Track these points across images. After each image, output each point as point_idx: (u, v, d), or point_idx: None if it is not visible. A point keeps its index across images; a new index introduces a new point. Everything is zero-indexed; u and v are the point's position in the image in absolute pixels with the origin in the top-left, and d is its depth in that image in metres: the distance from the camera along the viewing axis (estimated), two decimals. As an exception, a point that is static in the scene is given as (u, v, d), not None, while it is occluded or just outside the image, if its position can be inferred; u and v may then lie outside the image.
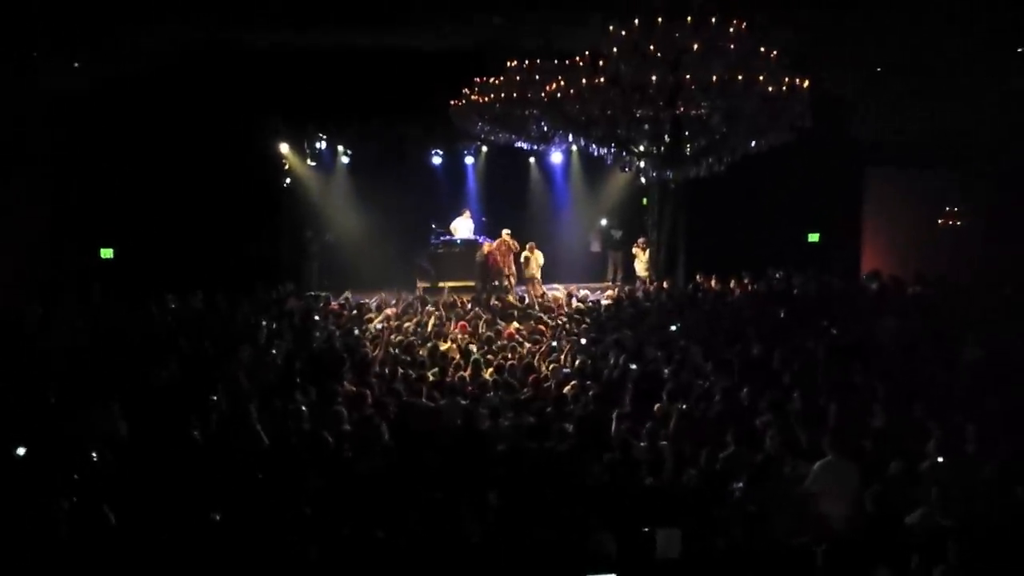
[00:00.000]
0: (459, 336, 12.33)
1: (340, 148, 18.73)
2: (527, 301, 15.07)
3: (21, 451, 7.18)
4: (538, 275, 17.30)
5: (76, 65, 13.34)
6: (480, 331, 12.49)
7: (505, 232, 17.31)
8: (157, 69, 14.30)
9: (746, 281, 15.00)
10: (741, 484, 6.41)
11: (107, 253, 15.97)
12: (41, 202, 15.17)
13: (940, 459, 6.75)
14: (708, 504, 6.29)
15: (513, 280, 17.22)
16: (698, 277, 15.40)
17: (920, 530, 5.88)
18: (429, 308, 14.00)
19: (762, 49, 8.77)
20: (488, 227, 18.31)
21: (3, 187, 13.99)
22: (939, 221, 17.02)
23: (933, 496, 6.08)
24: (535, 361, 10.92)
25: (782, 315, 12.46)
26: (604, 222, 19.70)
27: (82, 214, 15.49)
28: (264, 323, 12.10)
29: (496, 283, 17.05)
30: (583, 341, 11.48)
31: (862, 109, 15.89)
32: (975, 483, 6.35)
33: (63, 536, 5.85)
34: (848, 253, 17.48)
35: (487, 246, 17.44)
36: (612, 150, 10.27)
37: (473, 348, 11.35)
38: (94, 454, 7.12)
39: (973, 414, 7.45)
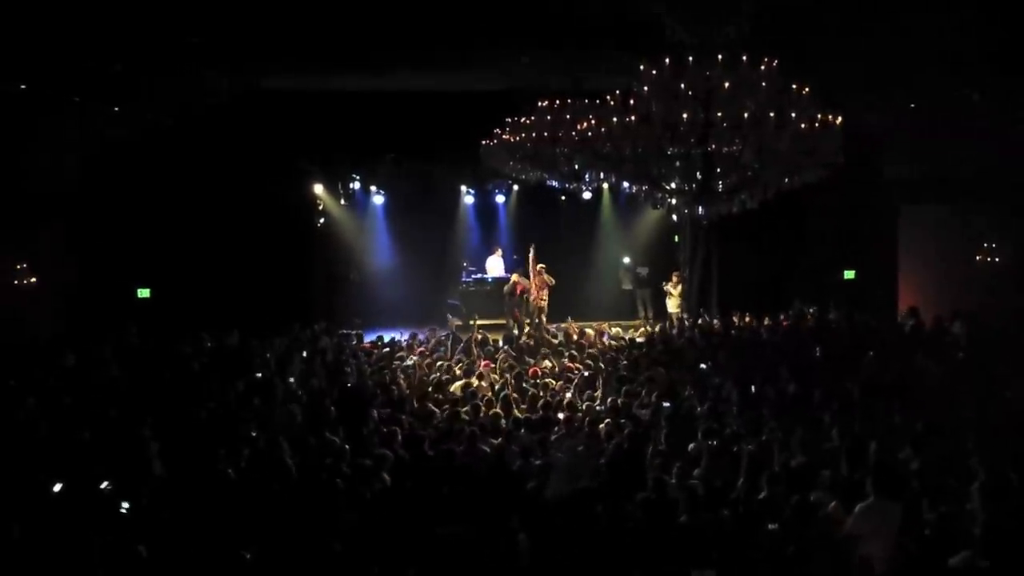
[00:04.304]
0: (490, 374, 12.31)
1: (373, 188, 18.98)
2: (559, 339, 15.02)
3: (58, 487, 7.24)
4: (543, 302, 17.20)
5: (116, 109, 13.68)
6: (511, 368, 12.45)
7: (540, 266, 17.33)
8: (193, 114, 14.62)
9: (781, 318, 14.85)
10: (778, 525, 6.28)
11: (144, 292, 16.21)
12: (79, 243, 15.46)
13: (984, 500, 6.57)
14: (744, 545, 6.16)
15: (545, 316, 17.17)
16: (734, 317, 15.26)
17: (964, 573, 5.71)
18: (460, 345, 14.01)
19: (794, 86, 8.76)
20: (520, 265, 18.37)
21: (41, 229, 14.31)
22: (976, 258, 16.77)
23: (976, 538, 5.91)
24: (566, 399, 10.85)
25: (817, 352, 12.30)
26: (627, 260, 19.65)
27: (119, 254, 15.78)
28: (297, 361, 12.18)
29: (529, 320, 17.03)
30: (616, 379, 11.39)
31: (896, 146, 15.81)
32: (1018, 525, 6.16)
33: (97, 574, 5.86)
34: (884, 291, 17.27)
35: (515, 277, 17.46)
36: (644, 188, 10.28)
37: (504, 385, 11.31)
38: (126, 493, 7.16)
39: (1015, 453, 7.27)
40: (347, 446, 8.40)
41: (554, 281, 17.21)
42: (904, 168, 16.21)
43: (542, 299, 17.10)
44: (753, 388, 10.31)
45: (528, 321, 16.99)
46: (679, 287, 17.68)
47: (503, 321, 17.40)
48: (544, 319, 17.00)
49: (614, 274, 19.90)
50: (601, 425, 9.29)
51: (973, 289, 16.02)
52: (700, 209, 10.28)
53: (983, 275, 16.64)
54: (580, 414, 10.04)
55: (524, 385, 11.65)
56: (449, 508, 6.92)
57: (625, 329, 16.51)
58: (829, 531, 6.31)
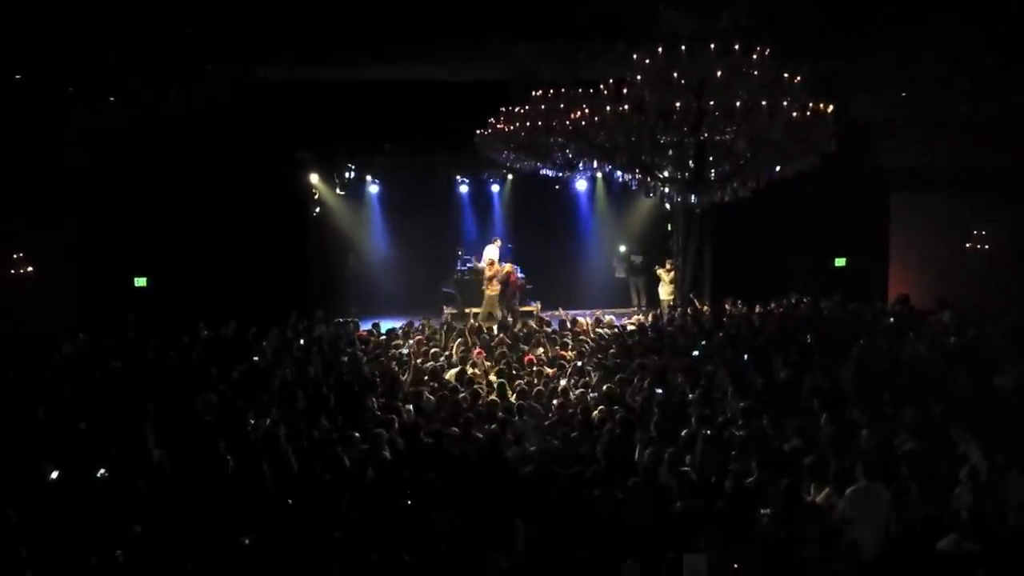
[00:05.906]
0: (483, 361, 12.37)
1: (368, 177, 19.01)
2: (553, 327, 15.09)
3: (54, 474, 7.30)
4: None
5: (112, 99, 13.65)
6: (505, 356, 12.51)
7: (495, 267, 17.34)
8: (190, 104, 14.59)
9: (772, 306, 14.93)
10: (769, 510, 6.36)
11: (141, 282, 16.24)
12: (76, 233, 15.46)
13: (972, 484, 6.66)
14: (736, 531, 6.24)
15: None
16: (727, 305, 15.35)
17: (951, 556, 5.80)
18: (455, 334, 14.06)
19: (786, 75, 8.80)
20: (515, 254, 18.45)
21: (37, 219, 14.30)
22: (967, 245, 16.85)
23: (964, 521, 6.01)
24: (560, 386, 10.92)
25: (809, 340, 12.39)
26: (623, 248, 19.71)
27: (117, 244, 15.80)
28: (294, 350, 12.23)
29: (520, 308, 17.07)
30: (607, 366, 11.47)
31: (888, 134, 15.86)
32: (1007, 508, 6.26)
33: (93, 562, 5.92)
34: (875, 278, 17.38)
35: (508, 267, 17.50)
36: (637, 176, 10.31)
37: (499, 373, 11.39)
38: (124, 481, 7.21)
39: (1005, 439, 7.36)
40: (345, 434, 8.47)
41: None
42: (896, 156, 16.27)
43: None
44: (745, 375, 10.40)
45: (520, 309, 17.06)
46: (671, 274, 17.75)
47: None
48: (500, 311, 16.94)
49: (608, 262, 19.97)
50: (595, 412, 9.37)
51: (964, 276, 16.09)
52: (693, 197, 10.31)
53: (974, 262, 16.70)
54: (574, 400, 10.13)
55: (518, 372, 11.73)
56: (445, 495, 6.99)
57: (619, 317, 16.57)
58: (820, 515, 6.41)
